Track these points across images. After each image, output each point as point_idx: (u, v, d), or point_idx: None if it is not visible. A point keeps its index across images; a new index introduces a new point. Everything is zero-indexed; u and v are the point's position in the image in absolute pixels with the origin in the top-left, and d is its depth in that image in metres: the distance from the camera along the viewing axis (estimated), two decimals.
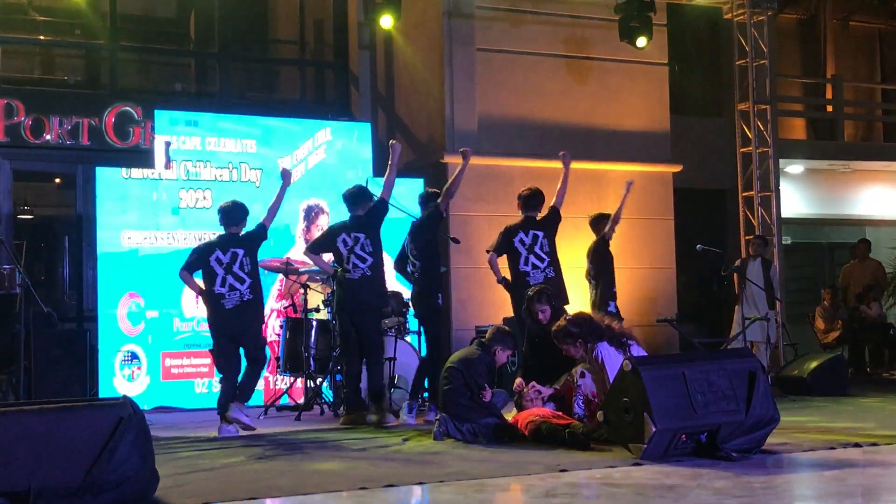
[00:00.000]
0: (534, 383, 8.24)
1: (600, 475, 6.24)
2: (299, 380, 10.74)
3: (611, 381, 7.33)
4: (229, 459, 7.23)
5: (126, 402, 5.52)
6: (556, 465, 6.50)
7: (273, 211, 9.17)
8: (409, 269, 9.93)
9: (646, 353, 7.94)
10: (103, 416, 5.40)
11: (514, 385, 8.49)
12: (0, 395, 9.97)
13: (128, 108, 13.10)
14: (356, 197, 9.50)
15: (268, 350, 9.57)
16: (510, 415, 8.27)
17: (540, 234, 9.77)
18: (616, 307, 10.84)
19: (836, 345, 14.77)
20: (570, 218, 12.87)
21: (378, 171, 12.53)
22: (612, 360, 7.67)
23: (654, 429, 6.49)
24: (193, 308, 11.28)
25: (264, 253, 9.92)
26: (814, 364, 11.49)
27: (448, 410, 8.00)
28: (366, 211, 9.44)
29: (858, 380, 13.46)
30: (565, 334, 8.05)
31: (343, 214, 9.75)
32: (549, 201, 10.06)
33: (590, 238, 11.30)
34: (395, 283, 11.12)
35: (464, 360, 8.16)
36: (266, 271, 10.40)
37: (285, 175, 9.34)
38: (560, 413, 7.90)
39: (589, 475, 6.27)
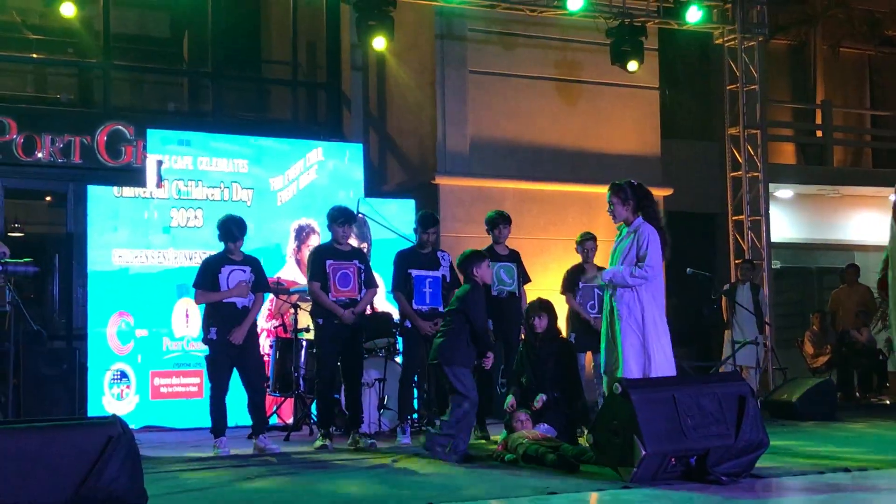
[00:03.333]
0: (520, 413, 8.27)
1: (589, 498, 6.23)
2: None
3: (652, 253, 7.48)
4: (218, 479, 7.21)
5: (115, 422, 5.50)
6: (545, 487, 6.49)
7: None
8: None
9: None
10: (92, 435, 5.38)
11: (506, 405, 8.50)
12: None
13: (120, 126, 13.10)
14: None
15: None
16: (500, 437, 8.28)
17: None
18: None
19: (825, 369, 14.78)
20: (560, 240, 12.96)
21: (369, 191, 12.57)
22: (654, 246, 7.62)
23: (643, 452, 6.49)
24: (183, 328, 11.27)
25: None
26: (803, 389, 11.50)
27: (443, 356, 7.95)
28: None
29: (847, 405, 13.48)
30: (621, 188, 7.83)
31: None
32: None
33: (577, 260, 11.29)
34: (385, 304, 11.15)
35: (459, 298, 8.09)
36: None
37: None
38: (550, 436, 7.91)
39: (578, 498, 6.27)
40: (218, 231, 9.05)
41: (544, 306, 8.77)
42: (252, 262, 9.08)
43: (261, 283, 9.09)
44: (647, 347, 7.64)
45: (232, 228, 8.96)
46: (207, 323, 8.91)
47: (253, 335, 9.07)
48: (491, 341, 8.33)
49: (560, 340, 8.94)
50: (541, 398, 8.39)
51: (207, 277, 8.92)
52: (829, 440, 9.35)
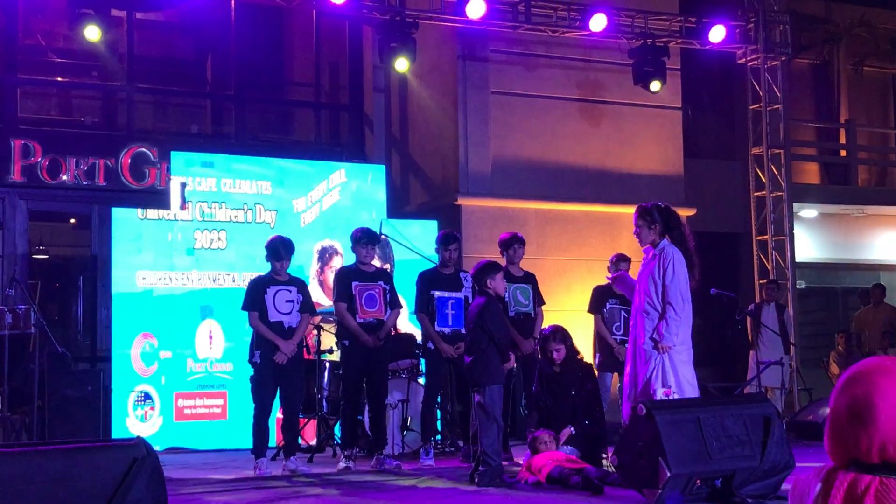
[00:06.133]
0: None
1: None
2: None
3: (676, 282, 7.40)
4: (243, 501, 7.20)
5: (140, 444, 5.50)
6: None
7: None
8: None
9: None
10: (117, 457, 5.38)
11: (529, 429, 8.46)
12: (13, 436, 9.96)
13: (144, 149, 13.17)
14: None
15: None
16: (523, 458, 8.24)
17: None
18: None
19: None
20: (582, 261, 12.94)
21: (392, 212, 12.58)
22: (679, 272, 7.56)
23: (668, 473, 6.45)
24: (207, 349, 11.29)
25: None
26: (829, 409, 11.40)
27: (475, 379, 7.90)
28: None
29: None
30: (647, 212, 7.80)
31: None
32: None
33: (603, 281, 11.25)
34: (408, 325, 11.14)
35: (476, 314, 8.03)
36: None
37: None
38: (575, 458, 7.87)
39: None
40: (266, 251, 9.10)
41: (563, 336, 8.65)
42: (298, 283, 9.15)
43: (307, 304, 9.12)
44: (666, 371, 7.57)
45: (279, 248, 9.01)
46: (253, 346, 8.94)
47: (298, 358, 9.06)
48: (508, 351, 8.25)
49: (579, 364, 8.81)
50: (568, 430, 8.31)
51: (255, 298, 8.94)
52: None
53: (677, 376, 7.57)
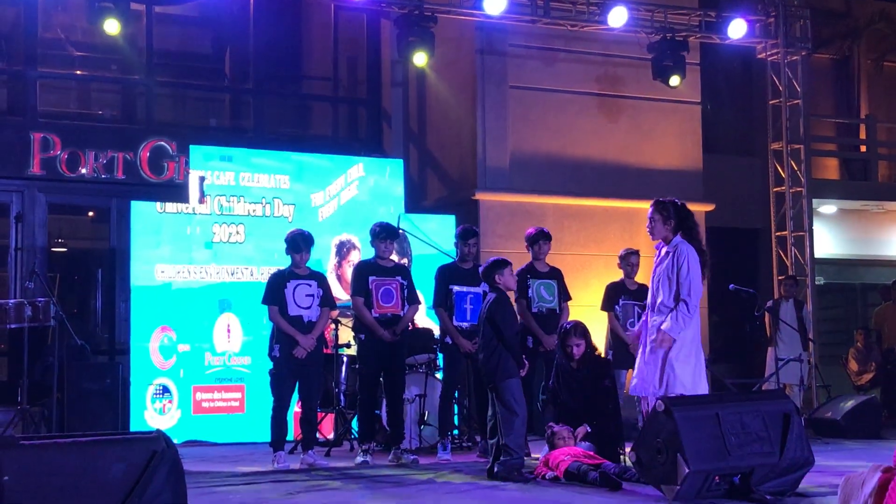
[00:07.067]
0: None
1: None
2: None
3: (692, 279, 7.36)
4: (262, 495, 7.21)
5: (159, 437, 5.51)
6: None
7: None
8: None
9: None
10: (137, 450, 5.39)
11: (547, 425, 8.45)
12: (33, 428, 10.01)
13: (162, 142, 13.22)
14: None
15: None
16: (540, 453, 8.23)
17: None
18: None
19: (870, 387, 14.61)
20: (601, 256, 12.92)
21: (409, 207, 12.58)
22: (694, 269, 7.53)
23: (686, 470, 6.42)
24: (225, 342, 11.32)
25: None
26: (847, 406, 11.39)
27: (491, 375, 7.88)
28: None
29: (892, 422, 13.31)
30: (665, 206, 7.78)
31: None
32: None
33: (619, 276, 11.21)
34: (425, 320, 11.14)
35: (487, 310, 8.02)
36: None
37: None
38: (592, 453, 7.85)
39: None
40: (285, 244, 9.06)
41: (582, 332, 8.61)
42: (318, 277, 9.11)
43: (327, 299, 9.11)
44: (671, 369, 7.51)
45: (298, 241, 8.97)
46: (273, 340, 8.94)
47: (318, 352, 9.05)
48: (520, 350, 8.19)
49: (596, 361, 8.77)
50: (584, 428, 8.29)
51: (274, 292, 8.94)
52: (874, 458, 9.16)
53: (674, 377, 7.50)
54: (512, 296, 8.72)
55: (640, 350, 7.87)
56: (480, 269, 8.42)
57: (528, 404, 9.05)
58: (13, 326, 10.14)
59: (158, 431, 5.62)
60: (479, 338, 8.32)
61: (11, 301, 10.53)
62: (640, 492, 6.91)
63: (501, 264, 8.17)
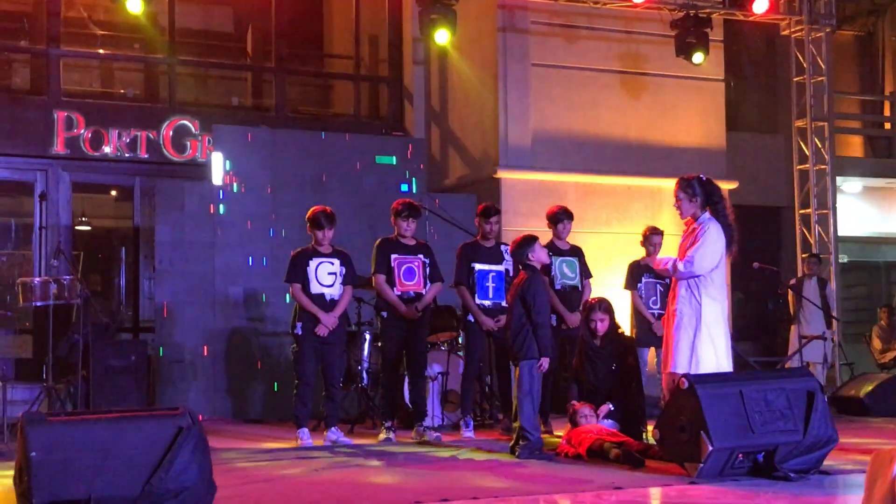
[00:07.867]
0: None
1: (655, 493, 6.20)
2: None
3: (703, 248, 7.35)
4: (286, 472, 7.26)
5: (185, 413, 5.55)
6: (611, 482, 6.47)
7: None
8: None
9: None
10: (163, 426, 5.44)
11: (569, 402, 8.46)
12: (58, 405, 10.09)
13: (185, 121, 13.25)
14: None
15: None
16: (563, 431, 8.25)
17: None
18: None
19: (894, 365, 14.56)
20: (624, 234, 12.88)
21: (431, 185, 12.58)
22: (709, 241, 7.49)
23: (710, 448, 6.43)
24: None
25: None
26: (871, 384, 11.35)
27: (517, 352, 7.86)
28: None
29: None
30: (689, 184, 7.69)
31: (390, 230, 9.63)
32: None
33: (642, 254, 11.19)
34: (448, 298, 11.13)
35: (520, 286, 7.97)
36: None
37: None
38: (615, 431, 7.86)
39: (644, 493, 6.24)
40: (307, 222, 9.03)
41: (606, 308, 8.61)
42: (341, 255, 9.06)
43: (349, 276, 9.11)
44: (696, 347, 7.48)
45: (320, 217, 8.91)
46: (295, 318, 8.96)
47: (340, 330, 9.07)
48: (549, 337, 8.16)
49: (620, 339, 8.77)
50: (607, 406, 8.29)
51: (297, 270, 8.95)
52: None
53: (701, 354, 7.46)
54: None
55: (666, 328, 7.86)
56: (510, 250, 8.39)
57: (550, 382, 9.08)
58: (39, 304, 10.20)
59: (184, 407, 5.66)
60: (507, 315, 8.31)
61: (37, 279, 10.59)
62: (663, 469, 6.91)
63: (531, 240, 8.12)
